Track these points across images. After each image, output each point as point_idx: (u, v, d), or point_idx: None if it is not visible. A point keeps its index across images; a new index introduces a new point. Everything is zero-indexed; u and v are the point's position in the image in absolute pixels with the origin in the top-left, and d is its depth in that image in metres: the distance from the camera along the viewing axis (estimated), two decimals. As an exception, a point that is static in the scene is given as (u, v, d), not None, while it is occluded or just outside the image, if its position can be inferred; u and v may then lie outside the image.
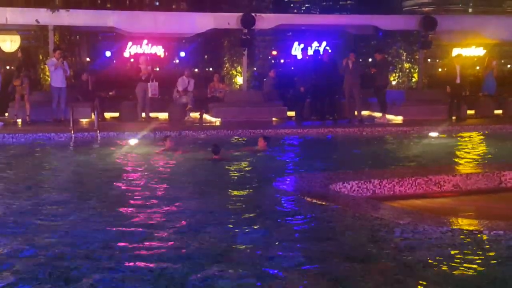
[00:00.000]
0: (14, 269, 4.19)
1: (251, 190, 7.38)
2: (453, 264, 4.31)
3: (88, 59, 24.01)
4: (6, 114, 16.84)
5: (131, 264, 4.31)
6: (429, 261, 4.37)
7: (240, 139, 13.37)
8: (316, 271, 4.20)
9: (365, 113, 18.08)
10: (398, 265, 4.30)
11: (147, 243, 4.86)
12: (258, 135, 13.53)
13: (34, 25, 17.78)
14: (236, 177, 8.46)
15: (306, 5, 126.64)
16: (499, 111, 18.88)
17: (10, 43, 18.70)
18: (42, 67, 17.98)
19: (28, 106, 15.50)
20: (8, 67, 16.35)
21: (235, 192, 7.19)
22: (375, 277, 4.05)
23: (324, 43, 22.21)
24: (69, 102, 15.77)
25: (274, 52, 25.67)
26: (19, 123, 15.59)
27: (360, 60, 17.71)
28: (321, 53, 19.47)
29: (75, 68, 18.29)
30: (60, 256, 4.49)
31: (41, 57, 18.18)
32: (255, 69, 20.84)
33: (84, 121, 16.34)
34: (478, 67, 22.60)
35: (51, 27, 17.84)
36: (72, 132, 12.75)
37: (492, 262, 4.40)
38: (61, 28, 18.10)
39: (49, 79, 16.95)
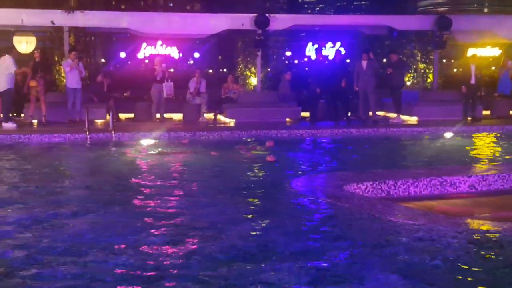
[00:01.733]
0: (33, 266, 4.23)
1: (265, 191, 7.37)
2: (468, 266, 4.28)
3: (102, 60, 24.08)
4: (22, 115, 16.98)
5: (151, 262, 4.34)
6: (444, 262, 4.35)
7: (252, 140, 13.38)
8: (331, 271, 4.19)
9: (379, 113, 18.03)
10: (413, 266, 4.28)
11: (165, 240, 4.88)
12: (272, 136, 13.65)
13: (50, 26, 17.91)
14: (250, 177, 8.46)
15: (320, 6, 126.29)
16: (515, 112, 18.75)
17: (26, 45, 18.84)
18: (57, 68, 18.11)
19: (44, 107, 15.62)
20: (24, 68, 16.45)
21: (249, 192, 7.18)
22: (388, 279, 4.04)
23: (338, 44, 22.14)
24: (84, 103, 15.89)
25: (288, 53, 25.62)
26: (35, 124, 15.70)
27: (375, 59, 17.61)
28: (333, 55, 19.44)
29: (90, 69, 18.41)
30: (79, 252, 4.53)
31: (56, 58, 18.32)
32: (269, 70, 20.85)
33: (99, 122, 16.44)
34: (493, 67, 22.45)
35: (66, 28, 17.97)
36: (87, 133, 12.82)
37: (509, 263, 4.37)
38: (76, 29, 18.22)
39: (64, 80, 17.07)
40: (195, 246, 4.81)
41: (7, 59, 15.08)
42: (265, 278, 4.03)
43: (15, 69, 15.02)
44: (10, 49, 16.04)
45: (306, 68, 21.05)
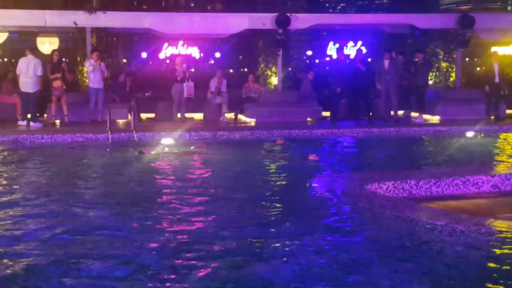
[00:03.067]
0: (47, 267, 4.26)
1: (286, 190, 7.36)
2: (491, 266, 4.24)
3: (124, 60, 24.23)
4: (45, 115, 17.15)
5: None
6: (467, 262, 4.31)
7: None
8: (352, 271, 4.17)
9: (401, 113, 17.91)
10: (435, 266, 4.25)
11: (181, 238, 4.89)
12: (293, 135, 13.66)
13: (72, 27, 18.07)
14: (271, 176, 8.45)
15: (342, 5, 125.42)
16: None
17: (49, 45, 19.05)
18: (80, 68, 18.27)
19: (65, 107, 15.76)
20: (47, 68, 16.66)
21: (270, 191, 7.17)
22: (412, 278, 4.01)
23: (359, 43, 22.05)
24: (106, 103, 16.01)
25: (310, 52, 25.56)
26: (58, 124, 15.85)
27: (399, 58, 17.50)
28: (353, 56, 19.34)
29: (112, 69, 18.55)
30: (97, 249, 4.56)
31: (79, 59, 18.49)
32: (290, 69, 20.81)
33: (120, 121, 16.54)
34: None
35: (88, 29, 18.12)
36: (109, 132, 12.91)
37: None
38: (98, 30, 18.37)
39: (86, 80, 17.21)
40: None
41: (36, 60, 15.27)
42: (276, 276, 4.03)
43: (41, 73, 15.28)
44: (33, 50, 16.21)
45: (327, 68, 21.02)
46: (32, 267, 4.27)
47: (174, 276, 4.07)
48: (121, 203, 6.52)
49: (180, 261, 4.40)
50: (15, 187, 7.59)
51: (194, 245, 4.80)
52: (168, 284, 3.94)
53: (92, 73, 16.18)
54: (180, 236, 5.10)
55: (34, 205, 6.41)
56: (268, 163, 9.84)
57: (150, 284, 3.93)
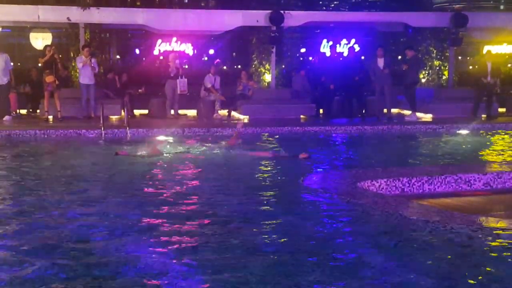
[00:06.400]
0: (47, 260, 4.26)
1: (278, 187, 7.37)
2: (483, 264, 4.26)
3: (118, 56, 24.18)
4: (38, 111, 17.11)
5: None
6: (459, 260, 4.34)
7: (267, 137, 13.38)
8: (341, 269, 4.19)
9: (394, 110, 17.95)
10: (427, 264, 4.27)
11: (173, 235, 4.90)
12: (285, 133, 13.68)
13: (66, 22, 18.03)
14: (264, 174, 8.45)
15: (335, 2, 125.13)
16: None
17: (42, 41, 18.99)
18: (73, 64, 18.23)
19: (58, 103, 15.72)
20: (40, 65, 16.57)
21: (262, 189, 7.17)
22: (403, 275, 4.03)
23: (353, 40, 22.10)
24: (99, 99, 15.98)
25: (303, 49, 25.59)
26: (51, 119, 15.82)
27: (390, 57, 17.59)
28: (347, 52, 19.39)
29: (105, 66, 18.50)
30: (91, 244, 4.56)
31: (72, 55, 18.45)
32: (283, 66, 20.83)
33: (113, 118, 16.52)
34: (510, 65, 22.28)
35: (82, 24, 18.10)
36: (102, 128, 12.88)
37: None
38: (91, 26, 18.33)
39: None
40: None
41: None
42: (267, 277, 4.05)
43: None
44: None
45: (320, 65, 21.06)
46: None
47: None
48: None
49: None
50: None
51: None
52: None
53: (82, 69, 16.14)
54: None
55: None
56: (258, 160, 9.81)
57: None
